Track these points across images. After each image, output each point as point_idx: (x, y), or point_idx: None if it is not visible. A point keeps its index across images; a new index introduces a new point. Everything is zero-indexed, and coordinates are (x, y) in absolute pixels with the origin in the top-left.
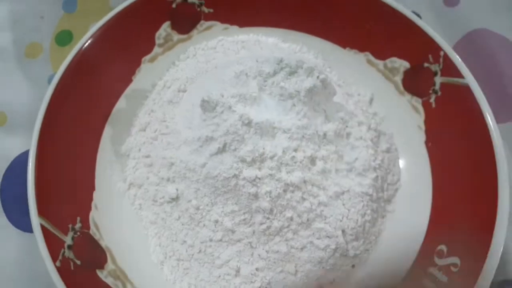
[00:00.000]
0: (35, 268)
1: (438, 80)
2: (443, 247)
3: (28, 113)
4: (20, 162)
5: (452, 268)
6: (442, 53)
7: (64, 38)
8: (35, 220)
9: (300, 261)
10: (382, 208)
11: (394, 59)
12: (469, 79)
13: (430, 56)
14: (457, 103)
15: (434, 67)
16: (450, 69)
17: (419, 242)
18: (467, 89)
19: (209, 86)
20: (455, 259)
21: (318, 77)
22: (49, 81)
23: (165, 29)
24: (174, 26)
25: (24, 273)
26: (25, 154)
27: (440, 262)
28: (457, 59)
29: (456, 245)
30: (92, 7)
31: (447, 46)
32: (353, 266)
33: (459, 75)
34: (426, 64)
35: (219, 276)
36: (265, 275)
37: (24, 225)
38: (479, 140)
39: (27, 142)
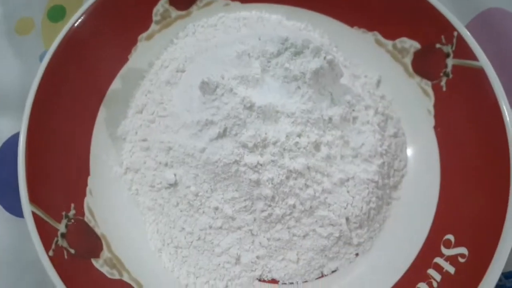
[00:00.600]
0: (27, 253)
1: (450, 62)
2: (450, 237)
3: (19, 92)
4: (11, 144)
5: (460, 259)
6: (455, 34)
7: (56, 14)
8: (27, 207)
9: (302, 249)
10: (388, 195)
11: (404, 39)
12: (484, 62)
13: (442, 36)
14: (469, 86)
15: (447, 49)
16: (463, 51)
17: (425, 231)
18: (480, 72)
19: (209, 66)
20: (463, 249)
21: (325, 58)
22: (41, 58)
23: (162, 4)
24: (172, 2)
25: (17, 259)
26: (17, 136)
27: (447, 252)
28: (471, 40)
29: (464, 234)
30: None
31: (461, 26)
32: (356, 254)
33: (473, 57)
34: (438, 45)
35: (219, 264)
36: (266, 263)
37: (16, 210)
38: (492, 126)
39: (18, 123)
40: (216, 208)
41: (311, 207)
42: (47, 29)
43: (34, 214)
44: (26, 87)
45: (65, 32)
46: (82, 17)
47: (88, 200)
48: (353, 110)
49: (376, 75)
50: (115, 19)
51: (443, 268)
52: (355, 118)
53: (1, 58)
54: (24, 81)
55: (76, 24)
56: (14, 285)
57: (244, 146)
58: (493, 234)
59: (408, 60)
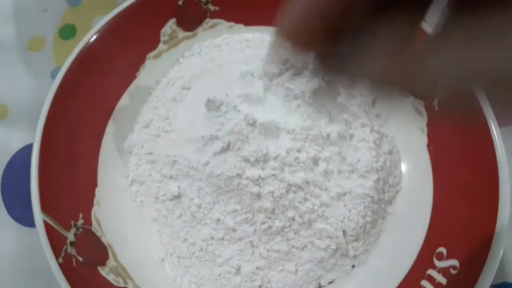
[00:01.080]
0: (34, 262)
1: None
2: (442, 249)
3: (30, 106)
4: (21, 156)
5: (451, 271)
6: None
7: (67, 32)
8: (38, 216)
9: (300, 261)
10: (383, 209)
11: None
12: None
13: None
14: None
15: None
16: None
17: (418, 244)
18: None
19: (214, 85)
20: (455, 262)
21: (323, 78)
22: (52, 74)
23: (170, 26)
24: (180, 23)
25: (24, 267)
26: (26, 148)
27: (439, 264)
28: None
29: (455, 247)
30: (97, 1)
31: None
32: (353, 266)
33: None
34: None
35: (220, 274)
36: (266, 273)
37: (24, 219)
38: (481, 144)
39: (28, 136)
40: (218, 220)
41: (309, 220)
42: (58, 46)
43: (45, 222)
44: (37, 101)
45: (78, 50)
46: (94, 36)
47: (95, 210)
48: (350, 127)
49: (372, 94)
50: (125, 38)
51: (435, 279)
52: (351, 135)
53: (14, 73)
54: (35, 95)
55: (88, 43)
56: None
57: (246, 160)
58: (483, 247)
59: None
